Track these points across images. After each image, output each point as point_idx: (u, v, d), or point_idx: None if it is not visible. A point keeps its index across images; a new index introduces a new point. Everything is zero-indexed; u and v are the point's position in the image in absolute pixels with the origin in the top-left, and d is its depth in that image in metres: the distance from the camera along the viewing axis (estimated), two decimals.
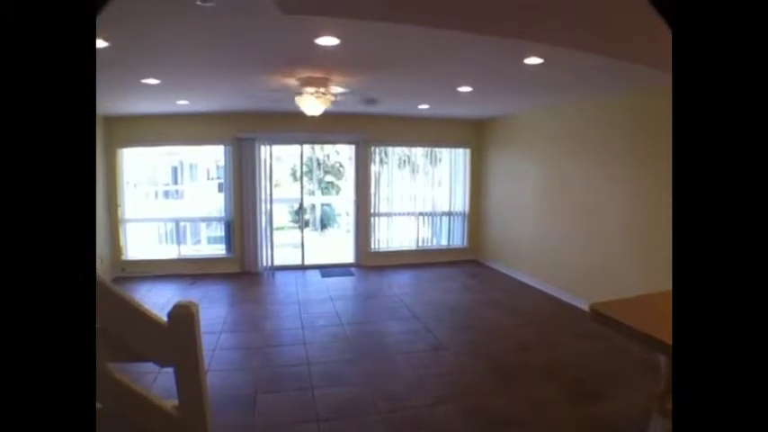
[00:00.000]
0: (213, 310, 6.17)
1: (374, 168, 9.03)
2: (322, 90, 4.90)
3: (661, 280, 3.49)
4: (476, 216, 9.65)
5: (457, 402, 3.86)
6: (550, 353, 4.95)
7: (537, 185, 7.63)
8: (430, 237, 9.77)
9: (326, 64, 4.30)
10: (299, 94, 4.99)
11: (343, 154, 14.29)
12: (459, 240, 9.78)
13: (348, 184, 9.41)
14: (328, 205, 14.98)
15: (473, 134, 9.38)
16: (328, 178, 15.47)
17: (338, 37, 3.42)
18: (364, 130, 8.57)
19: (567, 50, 2.89)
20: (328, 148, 14.19)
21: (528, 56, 3.83)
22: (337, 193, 15.10)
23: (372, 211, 9.04)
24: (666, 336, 1.75)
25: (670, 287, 2.47)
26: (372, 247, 9.12)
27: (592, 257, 6.40)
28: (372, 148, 8.91)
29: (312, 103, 5.02)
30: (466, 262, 9.47)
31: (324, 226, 14.54)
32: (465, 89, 5.53)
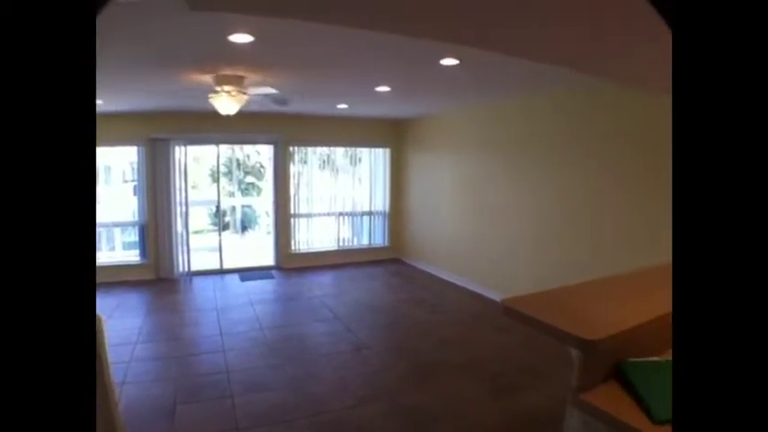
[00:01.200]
0: (128, 320, 5.86)
1: (294, 169, 8.91)
2: (237, 89, 4.78)
3: (570, 273, 3.62)
4: (396, 215, 9.73)
5: (380, 402, 3.85)
6: (471, 348, 5.04)
7: (455, 184, 7.80)
8: (351, 236, 9.75)
9: (241, 62, 4.18)
10: (214, 92, 4.84)
11: (263, 154, 13.97)
12: (380, 239, 9.82)
13: (269, 184, 9.23)
14: (249, 207, 14.64)
15: (393, 134, 9.45)
16: (249, 179, 15.12)
17: (252, 34, 3.33)
18: (283, 129, 8.44)
19: (483, 51, 2.92)
20: (248, 148, 13.86)
21: (444, 57, 3.87)
22: (258, 194, 14.79)
23: (292, 211, 8.91)
24: (576, 328, 1.78)
25: (580, 281, 2.55)
26: (293, 248, 8.98)
27: (507, 253, 6.64)
28: (292, 149, 8.78)
29: (226, 102, 4.88)
30: (388, 261, 9.53)
31: (245, 228, 14.21)
32: (383, 89, 5.54)
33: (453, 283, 7.73)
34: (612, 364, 1.93)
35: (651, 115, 4.64)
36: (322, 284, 7.83)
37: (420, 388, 4.11)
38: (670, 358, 2.04)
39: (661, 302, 2.26)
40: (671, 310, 2.16)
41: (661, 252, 4.15)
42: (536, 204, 6.08)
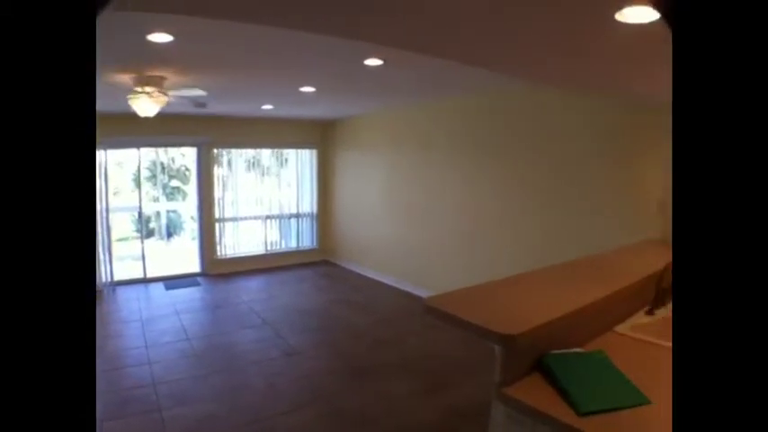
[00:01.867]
0: None
1: (219, 171, 8.69)
2: (157, 90, 4.61)
3: (497, 269, 3.71)
4: (325, 216, 9.67)
5: (313, 406, 3.82)
6: (404, 347, 5.07)
7: (383, 183, 7.87)
8: (279, 240, 9.61)
9: (161, 62, 4.03)
10: (134, 93, 4.65)
11: (188, 157, 13.56)
12: (308, 242, 9.74)
13: (194, 188, 8.96)
14: (174, 212, 14.16)
15: (320, 135, 9.41)
16: (174, 183, 14.62)
17: (171, 34, 3.21)
18: (207, 132, 8.20)
19: (407, 52, 2.93)
20: (173, 150, 13.43)
21: (368, 57, 3.86)
22: (184, 198, 14.34)
23: (218, 216, 8.68)
24: (496, 324, 1.83)
25: (506, 275, 2.60)
26: (219, 253, 8.74)
27: (435, 251, 6.79)
28: (216, 151, 8.56)
29: (146, 104, 4.70)
30: (317, 263, 9.46)
31: (170, 234, 13.75)
32: (308, 89, 5.48)
33: (384, 283, 7.78)
34: (536, 356, 1.97)
35: (563, 115, 4.86)
36: (250, 290, 7.67)
37: (354, 390, 4.11)
38: (592, 350, 2.11)
39: (583, 294, 2.34)
40: (591, 301, 2.24)
41: (580, 245, 4.32)
42: (461, 202, 6.26)
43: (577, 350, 2.09)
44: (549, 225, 5.11)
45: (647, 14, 1.82)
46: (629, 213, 4.44)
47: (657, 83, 3.19)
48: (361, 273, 8.47)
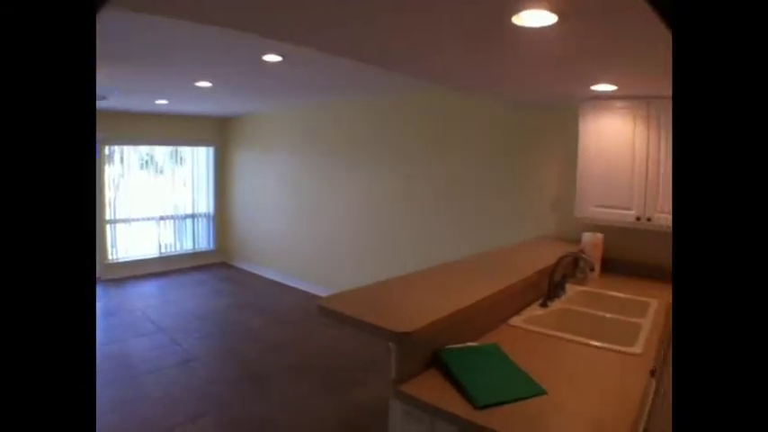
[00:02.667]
0: None
1: (111, 170, 8.27)
2: None
3: (395, 267, 3.75)
4: (223, 217, 9.48)
5: (213, 415, 3.79)
6: (305, 348, 5.09)
7: (281, 183, 7.91)
8: (174, 241, 9.27)
9: None
10: None
11: None
12: (206, 243, 9.52)
13: None
14: None
15: (218, 132, 9.22)
16: None
17: None
18: (98, 128, 7.73)
19: (308, 50, 2.91)
20: None
21: (267, 53, 3.79)
22: None
23: (109, 217, 8.26)
24: (389, 322, 1.90)
25: (404, 273, 2.67)
26: (110, 257, 8.32)
27: (333, 249, 6.96)
28: (109, 148, 8.15)
29: None
30: (215, 265, 9.25)
31: None
32: (204, 84, 5.32)
33: (284, 284, 7.78)
34: (432, 352, 2.04)
35: (461, 116, 5.07)
36: (145, 295, 7.40)
37: (255, 395, 4.11)
38: (486, 343, 2.21)
39: (477, 290, 2.46)
40: (485, 296, 2.35)
41: (479, 243, 4.49)
42: (361, 201, 6.51)
43: (472, 344, 2.17)
44: (447, 224, 5.31)
45: (544, 18, 1.90)
46: (524, 211, 4.69)
47: (549, 83, 3.38)
48: (261, 274, 8.40)
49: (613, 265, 4.00)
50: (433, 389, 1.84)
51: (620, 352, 2.29)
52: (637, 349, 2.31)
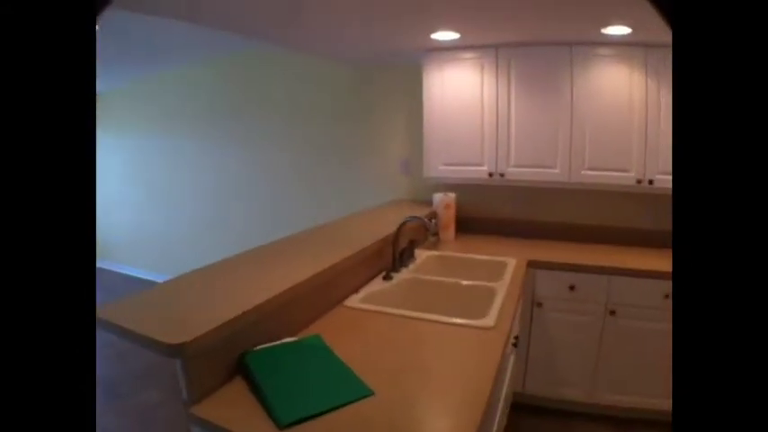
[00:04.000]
0: None
1: None
2: None
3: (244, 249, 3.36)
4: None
5: None
6: (148, 354, 4.54)
7: (124, 168, 6.87)
8: None
9: None
10: None
11: None
12: None
13: None
14: None
15: None
16: None
17: None
18: None
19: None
20: None
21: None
22: None
23: None
24: (163, 333, 1.45)
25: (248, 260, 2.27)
26: None
27: (178, 239, 6.32)
28: None
29: None
30: None
31: None
32: None
33: (134, 276, 6.90)
34: (236, 356, 1.63)
35: (303, 79, 4.70)
36: None
37: (101, 408, 3.61)
38: (307, 336, 1.86)
39: (301, 269, 2.08)
40: (309, 276, 1.95)
41: (337, 212, 4.11)
42: (208, 178, 5.82)
43: (287, 340, 1.80)
44: (303, 195, 4.94)
45: None
46: (377, 176, 4.42)
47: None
48: (110, 269, 7.32)
49: (470, 225, 3.85)
50: (234, 405, 1.44)
51: (470, 326, 2.01)
52: (489, 321, 2.05)
